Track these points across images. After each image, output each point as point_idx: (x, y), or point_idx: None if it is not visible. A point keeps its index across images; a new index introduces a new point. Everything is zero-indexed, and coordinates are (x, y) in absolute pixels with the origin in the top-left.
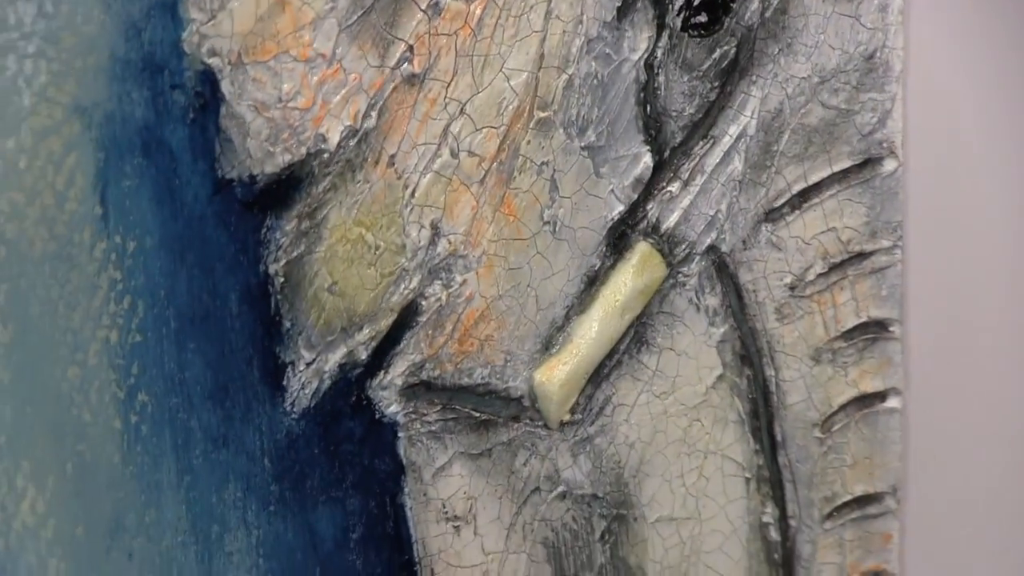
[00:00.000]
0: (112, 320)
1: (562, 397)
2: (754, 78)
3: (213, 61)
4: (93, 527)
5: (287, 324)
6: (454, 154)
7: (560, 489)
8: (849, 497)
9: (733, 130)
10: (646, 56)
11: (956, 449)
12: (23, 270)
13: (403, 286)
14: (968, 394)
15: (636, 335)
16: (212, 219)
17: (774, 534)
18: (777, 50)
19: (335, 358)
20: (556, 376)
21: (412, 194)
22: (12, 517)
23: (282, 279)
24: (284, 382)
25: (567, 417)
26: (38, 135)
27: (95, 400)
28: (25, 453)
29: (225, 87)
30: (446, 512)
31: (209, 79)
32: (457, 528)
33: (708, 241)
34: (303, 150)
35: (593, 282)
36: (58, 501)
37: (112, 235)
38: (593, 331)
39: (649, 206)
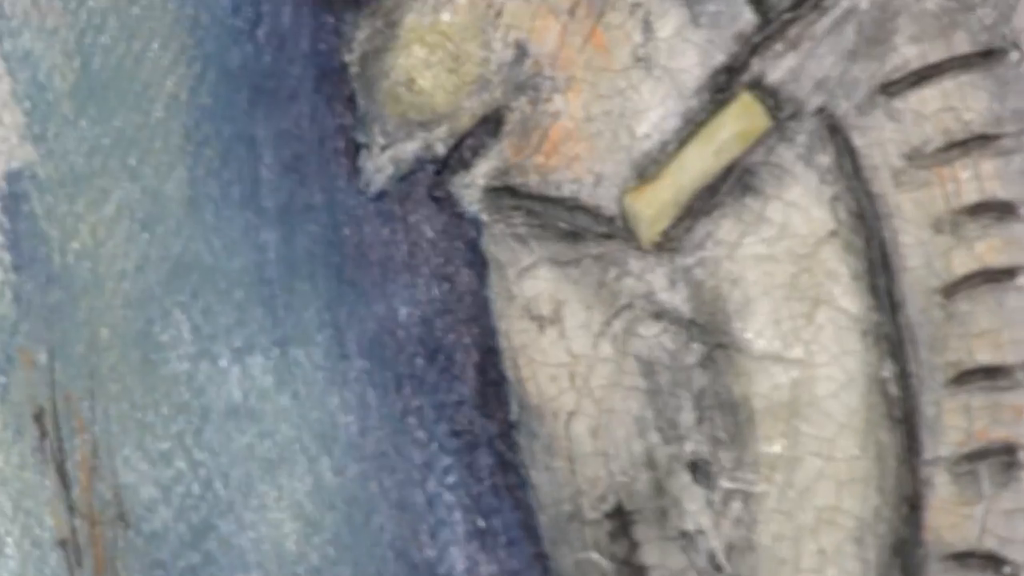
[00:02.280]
0: (180, 81)
1: (652, 216)
2: None
3: None
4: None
5: (363, 110)
6: None
7: (655, 308)
8: (975, 365)
9: (845, 3)
10: None
11: None
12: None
13: (486, 95)
14: None
15: (741, 181)
16: (289, 4)
17: (894, 390)
18: None
19: (412, 148)
20: (646, 196)
21: (497, 14)
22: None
23: (357, 69)
24: (359, 163)
25: (659, 238)
26: None
27: (160, 148)
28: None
29: None
30: (530, 311)
31: None
32: (542, 327)
33: (818, 102)
34: None
35: (690, 122)
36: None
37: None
38: (687, 163)
39: (753, 60)
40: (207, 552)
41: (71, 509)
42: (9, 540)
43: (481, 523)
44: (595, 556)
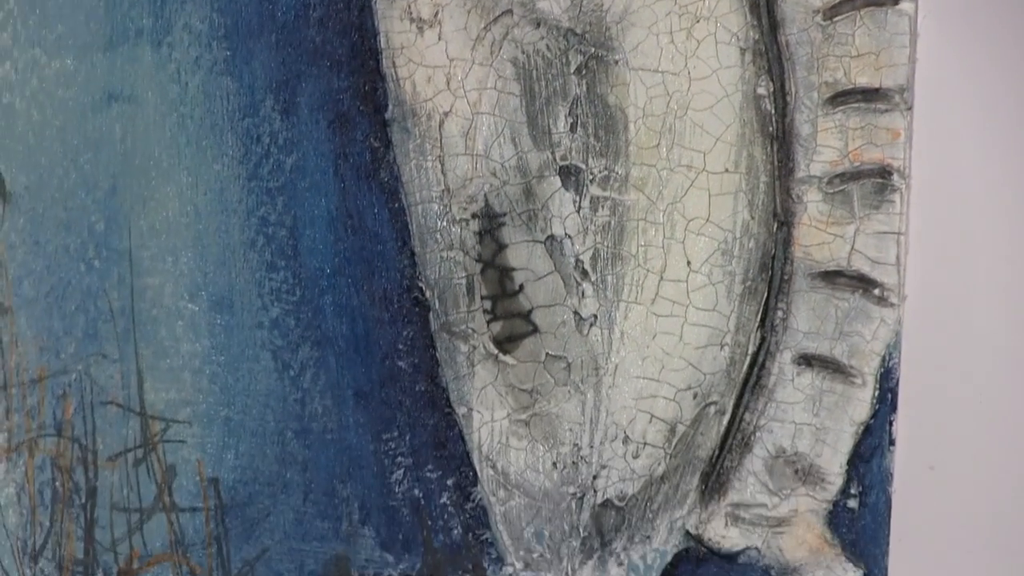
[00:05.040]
0: None
1: None
2: None
3: None
4: None
5: None
6: None
7: (534, 16)
8: (853, 86)
9: None
10: None
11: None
12: None
13: None
14: None
15: None
16: None
17: (769, 107)
18: None
19: None
20: None
21: None
22: None
23: None
24: None
25: None
26: None
27: None
28: None
29: None
30: (411, 12)
31: None
32: (421, 29)
33: None
34: None
35: None
36: None
37: None
38: None
39: None
40: None
41: None
42: None
43: (350, 208)
44: (461, 255)
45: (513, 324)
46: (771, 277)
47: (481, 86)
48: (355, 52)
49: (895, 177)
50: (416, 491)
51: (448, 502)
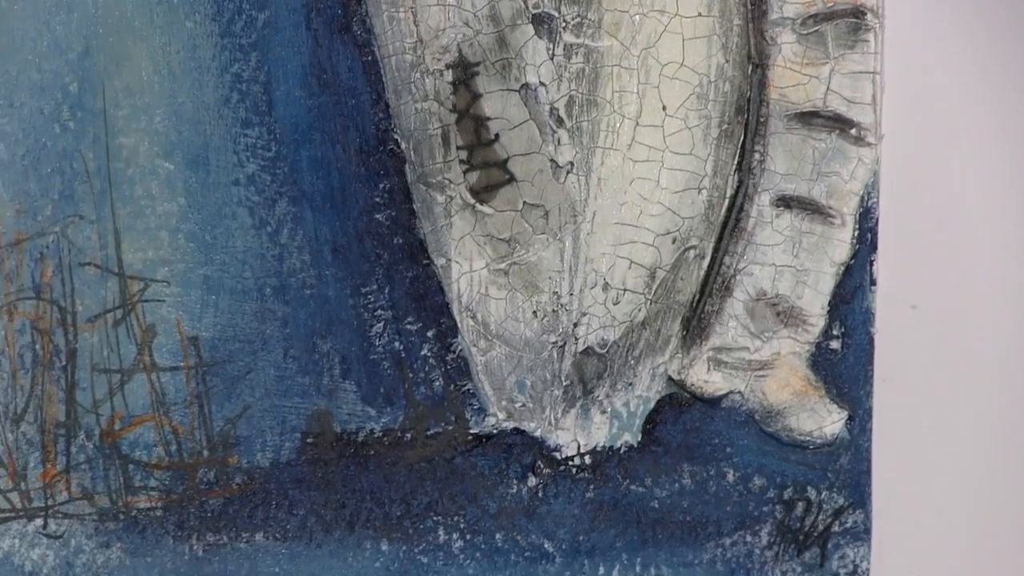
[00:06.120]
0: None
1: None
2: None
3: None
4: None
5: None
6: None
7: None
8: None
9: None
10: None
11: None
12: None
13: None
14: None
15: None
16: None
17: None
18: None
19: None
20: None
21: None
22: None
23: None
24: None
25: None
26: None
27: None
28: None
29: None
30: None
31: None
32: None
33: None
34: None
35: None
36: None
37: None
38: None
39: None
40: None
41: None
42: None
43: (323, 63)
44: (436, 106)
45: (490, 173)
46: (747, 120)
47: None
48: None
49: (869, 16)
50: (397, 344)
51: (429, 354)
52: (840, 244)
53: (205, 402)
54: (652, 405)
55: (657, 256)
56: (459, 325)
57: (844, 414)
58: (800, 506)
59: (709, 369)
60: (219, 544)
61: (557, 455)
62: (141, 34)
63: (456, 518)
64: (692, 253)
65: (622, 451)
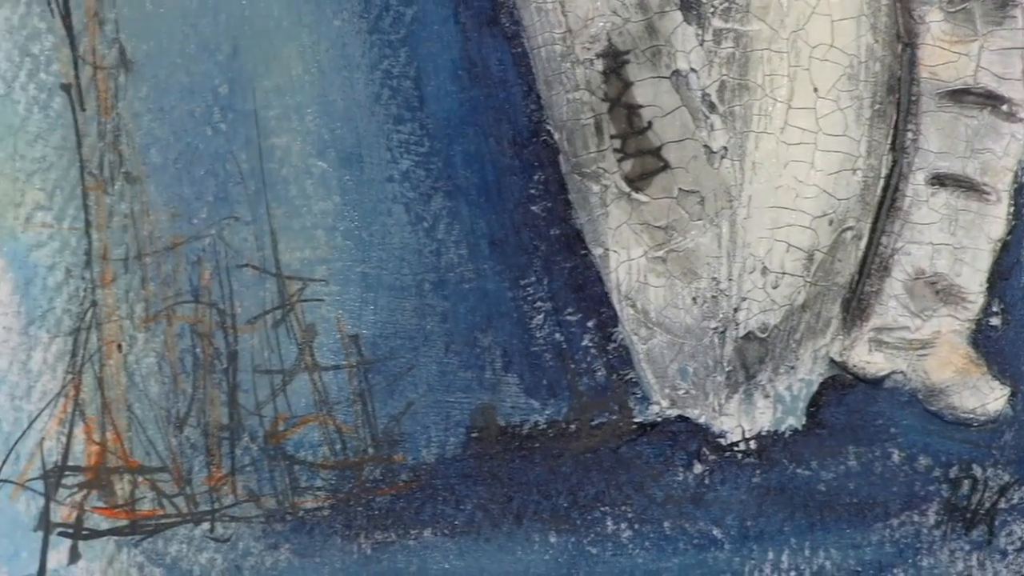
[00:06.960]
0: None
1: None
2: None
3: None
4: None
5: None
6: None
7: None
8: None
9: None
10: None
11: None
12: None
13: None
14: None
15: None
16: None
17: None
18: None
19: None
20: None
21: None
22: None
23: None
24: None
25: None
26: None
27: None
28: None
29: None
30: None
31: None
32: None
33: None
34: None
35: None
36: None
37: None
38: None
39: None
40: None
41: (75, 54)
42: (16, 85)
43: (473, 56)
44: (587, 95)
45: (644, 161)
46: (898, 99)
47: None
48: None
49: None
50: (558, 335)
51: (590, 344)
52: (996, 220)
53: (368, 400)
54: (815, 388)
55: (815, 238)
56: (619, 314)
57: (1007, 390)
58: (966, 484)
59: (871, 350)
60: (387, 542)
61: (722, 441)
62: (289, 33)
63: (623, 508)
64: (849, 234)
65: (787, 435)
